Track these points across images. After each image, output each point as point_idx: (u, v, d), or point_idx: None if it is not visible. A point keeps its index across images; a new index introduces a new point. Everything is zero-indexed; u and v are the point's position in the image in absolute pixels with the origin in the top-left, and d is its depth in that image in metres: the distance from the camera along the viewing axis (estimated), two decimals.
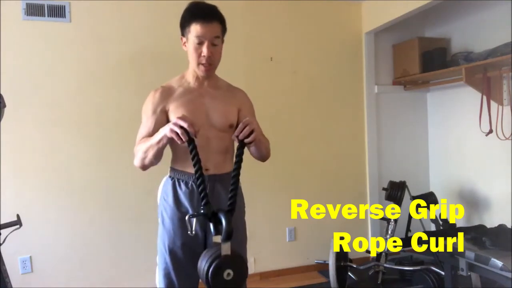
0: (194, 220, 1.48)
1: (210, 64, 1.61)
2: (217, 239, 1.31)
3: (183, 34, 1.64)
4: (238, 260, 1.31)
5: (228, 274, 1.25)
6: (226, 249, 1.26)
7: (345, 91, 3.60)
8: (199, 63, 1.61)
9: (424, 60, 3.48)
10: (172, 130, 1.41)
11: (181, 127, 1.39)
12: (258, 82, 3.27)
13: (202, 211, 1.39)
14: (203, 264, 1.28)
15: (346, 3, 3.57)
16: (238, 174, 1.48)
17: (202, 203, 1.40)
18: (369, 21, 3.55)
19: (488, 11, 3.19)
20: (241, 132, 1.46)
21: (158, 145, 1.50)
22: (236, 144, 1.52)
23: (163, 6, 3.01)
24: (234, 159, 1.49)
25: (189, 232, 1.44)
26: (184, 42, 1.64)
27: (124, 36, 2.97)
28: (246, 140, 1.47)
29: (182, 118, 1.42)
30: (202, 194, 1.41)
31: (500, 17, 3.06)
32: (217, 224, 1.36)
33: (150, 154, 1.53)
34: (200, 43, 1.57)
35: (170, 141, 1.50)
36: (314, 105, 3.50)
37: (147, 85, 1.86)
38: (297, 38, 3.44)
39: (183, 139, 1.40)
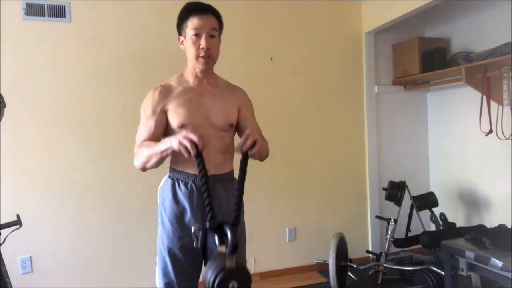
0: (200, 233, 1.52)
1: (209, 57, 1.61)
2: (221, 248, 1.35)
3: (180, 33, 1.67)
4: (242, 272, 1.35)
5: (233, 286, 1.29)
6: (231, 261, 1.30)
7: (345, 91, 3.60)
8: (198, 56, 1.61)
9: (424, 60, 3.48)
10: (181, 143, 1.39)
11: (191, 141, 1.38)
12: (258, 82, 3.27)
13: (208, 225, 1.41)
14: (208, 275, 1.32)
15: (346, 3, 3.57)
16: (242, 187, 1.45)
17: (208, 216, 1.40)
18: (369, 21, 3.55)
19: (488, 11, 3.19)
20: (244, 144, 1.44)
21: (161, 154, 1.50)
22: (235, 145, 1.52)
23: (163, 6, 3.01)
24: (239, 171, 1.46)
25: (194, 245, 1.52)
26: (182, 41, 1.66)
27: (124, 36, 2.97)
28: (250, 152, 1.46)
29: (192, 132, 1.40)
30: (208, 208, 1.41)
31: (500, 17, 3.06)
32: (222, 236, 1.38)
33: (153, 161, 1.54)
34: (198, 36, 1.59)
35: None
36: (314, 105, 3.49)
37: (147, 85, 1.85)
38: (297, 38, 3.43)
39: (192, 153, 1.38)
